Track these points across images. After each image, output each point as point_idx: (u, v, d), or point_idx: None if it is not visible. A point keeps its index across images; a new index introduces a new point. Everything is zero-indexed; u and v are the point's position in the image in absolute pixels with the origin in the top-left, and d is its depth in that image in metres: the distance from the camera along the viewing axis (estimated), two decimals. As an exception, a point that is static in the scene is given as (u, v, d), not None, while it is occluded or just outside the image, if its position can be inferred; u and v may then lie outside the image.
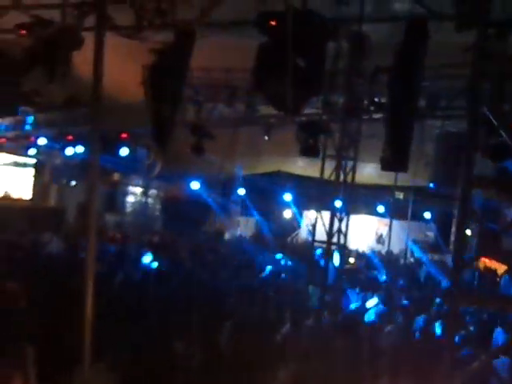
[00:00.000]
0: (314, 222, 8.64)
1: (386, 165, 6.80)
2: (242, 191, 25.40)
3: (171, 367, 6.46)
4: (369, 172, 20.57)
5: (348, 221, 8.28)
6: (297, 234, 28.03)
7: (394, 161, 6.29)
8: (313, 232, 9.21)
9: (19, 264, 10.89)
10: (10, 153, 20.37)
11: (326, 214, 8.82)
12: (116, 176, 23.00)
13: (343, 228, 8.28)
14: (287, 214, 27.83)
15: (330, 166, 9.34)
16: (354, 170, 8.19)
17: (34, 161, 21.79)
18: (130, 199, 23.69)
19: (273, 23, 4.57)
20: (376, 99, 9.76)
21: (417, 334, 9.41)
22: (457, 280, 3.20)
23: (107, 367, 5.57)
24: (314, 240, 8.80)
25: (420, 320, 9.95)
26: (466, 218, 3.37)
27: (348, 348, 7.81)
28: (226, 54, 13.01)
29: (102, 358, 5.43)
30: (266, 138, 15.44)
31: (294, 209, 26.99)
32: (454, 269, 3.38)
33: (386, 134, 6.51)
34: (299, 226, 28.14)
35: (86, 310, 2.75)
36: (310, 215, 27.41)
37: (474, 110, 3.81)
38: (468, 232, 16.38)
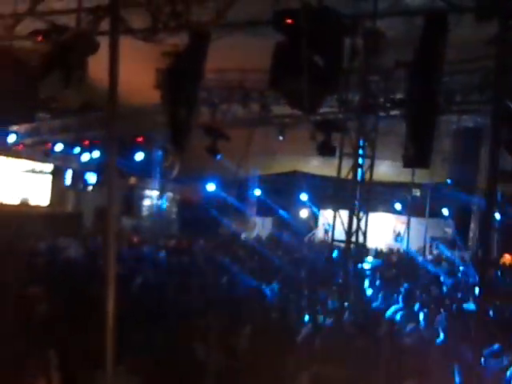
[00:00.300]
0: (333, 222, 8.54)
1: (408, 162, 6.67)
2: (257, 192, 25.40)
3: (191, 371, 6.42)
4: (384, 170, 20.43)
5: (367, 219, 8.18)
6: (314, 234, 27.93)
7: (416, 157, 6.18)
8: (332, 231, 9.13)
9: (39, 270, 10.97)
10: (28, 159, 20.57)
11: (343, 213, 8.73)
12: (132, 180, 23.13)
13: (362, 226, 8.19)
14: (303, 213, 27.76)
15: (345, 165, 9.24)
16: (371, 167, 8.08)
17: (51, 167, 21.98)
18: (147, 203, 23.81)
19: (289, 21, 4.52)
20: (392, 96, 9.69)
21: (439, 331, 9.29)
22: (483, 277, 3.12)
23: (128, 370, 5.57)
24: (333, 239, 8.71)
25: (442, 317, 9.83)
26: (491, 214, 3.27)
27: (369, 348, 7.73)
28: (239, 55, 13.00)
29: (123, 361, 5.44)
30: (281, 138, 15.40)
31: (312, 208, 26.94)
32: (479, 266, 3.30)
33: (407, 130, 6.41)
34: (316, 226, 28.06)
35: (108, 313, 2.72)
36: (326, 214, 27.35)
37: (498, 103, 3.71)
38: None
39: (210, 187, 22.98)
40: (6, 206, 19.18)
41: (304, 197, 25.01)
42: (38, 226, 16.80)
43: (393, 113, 9.93)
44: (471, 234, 23.91)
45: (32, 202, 20.98)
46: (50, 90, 5.32)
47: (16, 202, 20.15)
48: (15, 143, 19.02)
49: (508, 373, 6.18)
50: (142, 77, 13.80)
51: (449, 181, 17.27)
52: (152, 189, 22.81)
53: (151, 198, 23.34)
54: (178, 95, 6.29)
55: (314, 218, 27.99)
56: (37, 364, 5.09)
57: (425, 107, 5.92)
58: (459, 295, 12.77)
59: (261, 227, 27.11)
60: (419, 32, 6.47)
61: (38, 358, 5.15)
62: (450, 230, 25.34)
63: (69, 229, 17.69)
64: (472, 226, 24.14)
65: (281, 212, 25.98)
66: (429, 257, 22.52)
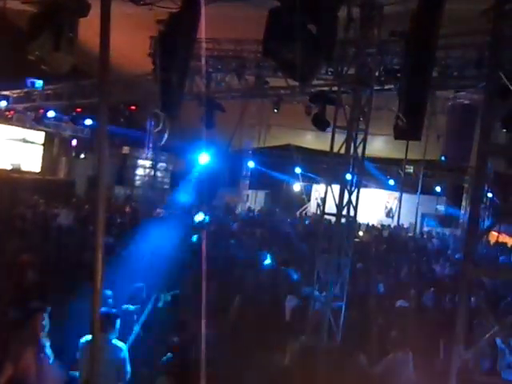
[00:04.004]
0: (324, 196, 8.49)
1: (400, 133, 6.62)
2: (251, 164, 25.32)
3: (182, 341, 6.45)
4: (378, 146, 20.40)
5: (358, 194, 8.12)
6: (306, 208, 28.00)
7: (407, 130, 6.14)
8: (323, 205, 9.09)
9: (30, 236, 10.95)
10: (19, 126, 20.34)
11: (336, 188, 8.71)
12: (125, 149, 22.98)
13: (353, 201, 8.14)
14: (296, 187, 27.79)
15: (338, 139, 9.15)
16: (365, 142, 7.99)
17: (42, 135, 21.77)
18: (140, 172, 23.68)
19: (284, -14, 4.39)
20: (387, 69, 9.59)
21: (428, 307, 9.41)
22: (471, 250, 3.11)
23: (117, 338, 5.60)
24: (323, 213, 8.67)
25: (430, 293, 9.94)
26: (481, 187, 3.24)
27: (358, 321, 7.81)
28: (234, 24, 12.80)
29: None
30: (275, 110, 15.29)
31: (305, 182, 26.94)
32: (468, 239, 3.29)
33: (400, 102, 6.35)
34: (308, 200, 28.10)
35: (96, 282, 2.72)
36: (319, 189, 27.40)
37: (492, 74, 3.62)
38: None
39: (204, 159, 22.86)
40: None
41: (298, 170, 24.98)
42: (29, 192, 16.70)
43: (388, 86, 9.84)
44: (463, 211, 24.02)
45: (23, 168, 20.80)
46: (39, 51, 5.20)
47: (7, 167, 19.98)
48: (6, 109, 18.79)
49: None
50: (135, 45, 13.61)
51: (443, 158, 17.16)
52: (145, 159, 22.65)
53: (144, 167, 23.21)
54: (170, 61, 6.15)
55: (307, 192, 28.02)
56: (26, 334, 5.10)
57: (418, 79, 5.86)
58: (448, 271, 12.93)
59: (253, 200, 27.12)
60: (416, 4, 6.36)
61: (28, 324, 5.16)
62: (442, 207, 25.50)
63: (60, 196, 17.59)
64: (464, 203, 24.24)
65: (269, 187, 25.91)
66: (419, 234, 22.68)
